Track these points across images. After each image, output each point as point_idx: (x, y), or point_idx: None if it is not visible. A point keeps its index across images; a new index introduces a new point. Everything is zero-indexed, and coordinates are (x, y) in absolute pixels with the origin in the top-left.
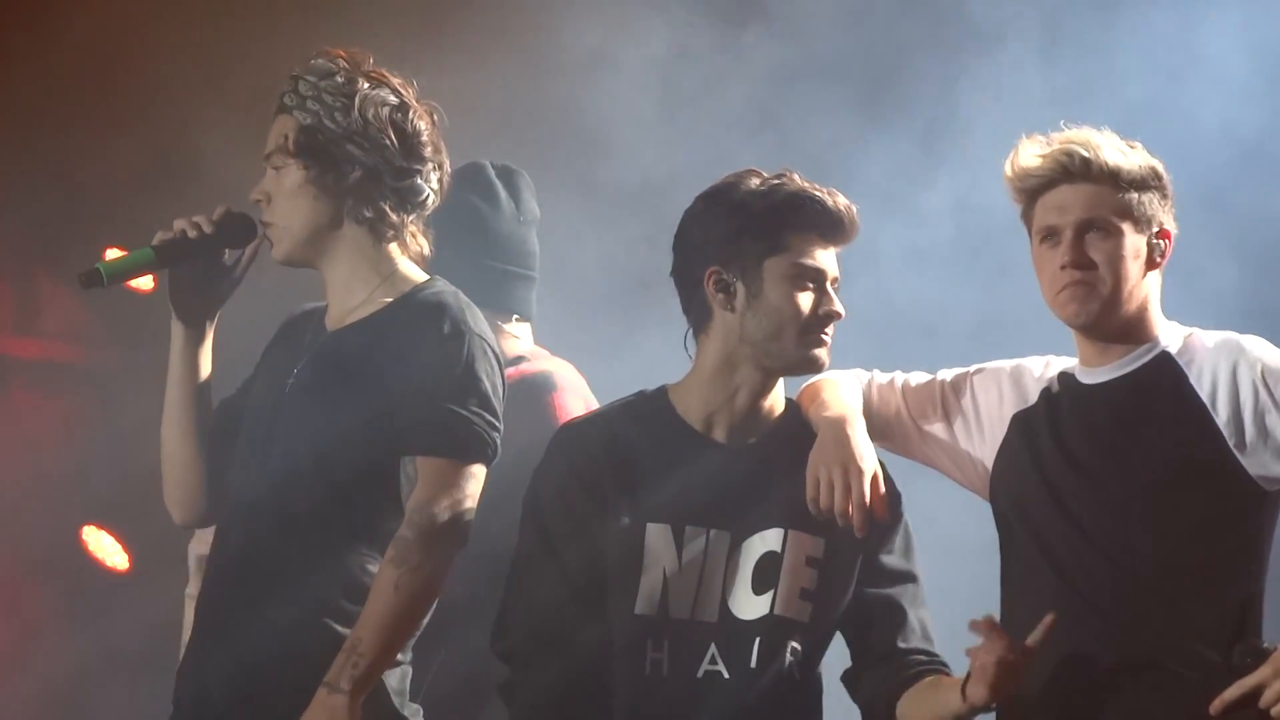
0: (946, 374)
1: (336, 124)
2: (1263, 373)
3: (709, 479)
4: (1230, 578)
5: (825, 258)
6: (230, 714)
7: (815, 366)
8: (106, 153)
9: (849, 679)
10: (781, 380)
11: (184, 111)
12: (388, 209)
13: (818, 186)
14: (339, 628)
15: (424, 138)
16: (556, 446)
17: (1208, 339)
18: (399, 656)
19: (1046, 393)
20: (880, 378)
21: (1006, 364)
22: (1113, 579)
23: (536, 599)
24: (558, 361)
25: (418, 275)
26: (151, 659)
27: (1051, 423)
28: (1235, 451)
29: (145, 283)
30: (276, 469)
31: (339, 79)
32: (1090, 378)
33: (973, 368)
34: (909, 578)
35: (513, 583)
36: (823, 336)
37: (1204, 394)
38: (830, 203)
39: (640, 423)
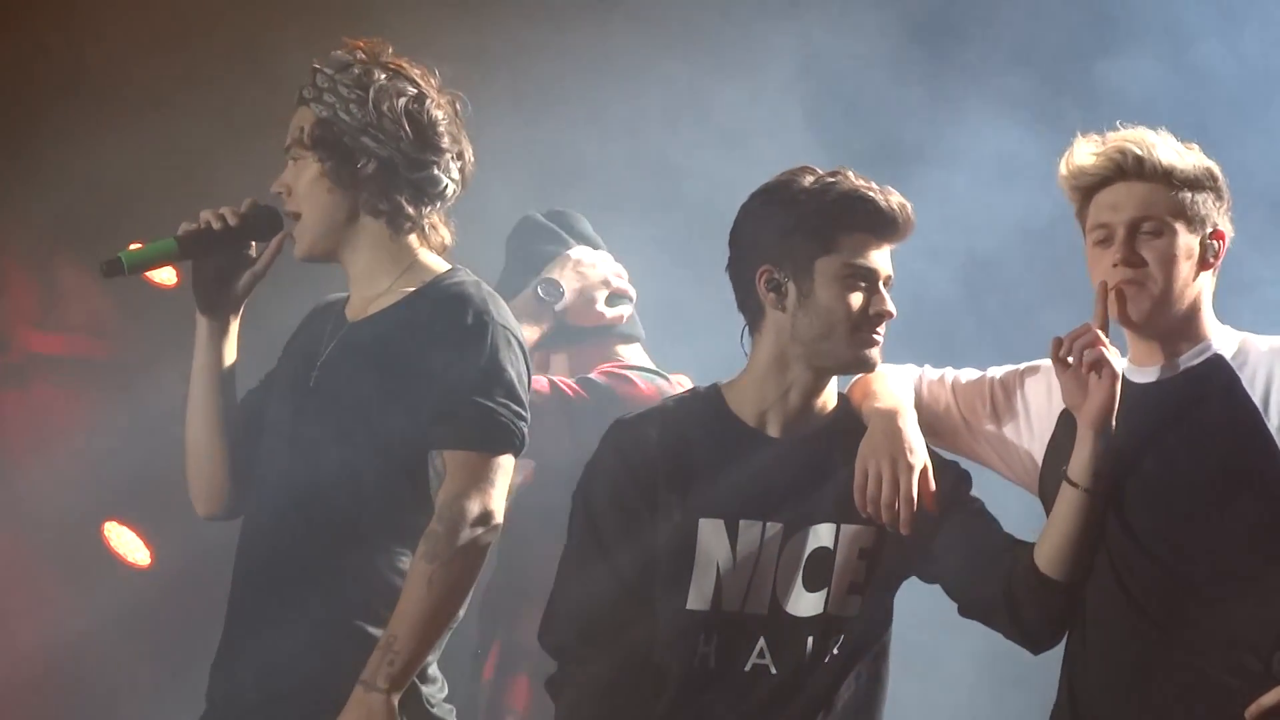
0: (996, 371)
1: (351, 116)
2: None
3: (762, 473)
4: (1276, 586)
5: (878, 257)
6: (263, 712)
7: (866, 366)
8: (130, 145)
9: (973, 607)
10: (834, 376)
11: (210, 104)
12: (404, 201)
13: (872, 185)
14: (371, 627)
15: (440, 128)
16: (609, 442)
17: (1262, 343)
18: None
19: None
20: (931, 374)
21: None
22: (1159, 581)
23: (586, 594)
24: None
25: (439, 265)
26: (174, 654)
27: None
28: None
29: (168, 277)
30: (302, 465)
31: (355, 70)
32: (1141, 376)
33: (1023, 365)
34: (991, 521)
35: (562, 577)
36: (874, 336)
37: (1257, 398)
38: (883, 201)
39: (693, 418)
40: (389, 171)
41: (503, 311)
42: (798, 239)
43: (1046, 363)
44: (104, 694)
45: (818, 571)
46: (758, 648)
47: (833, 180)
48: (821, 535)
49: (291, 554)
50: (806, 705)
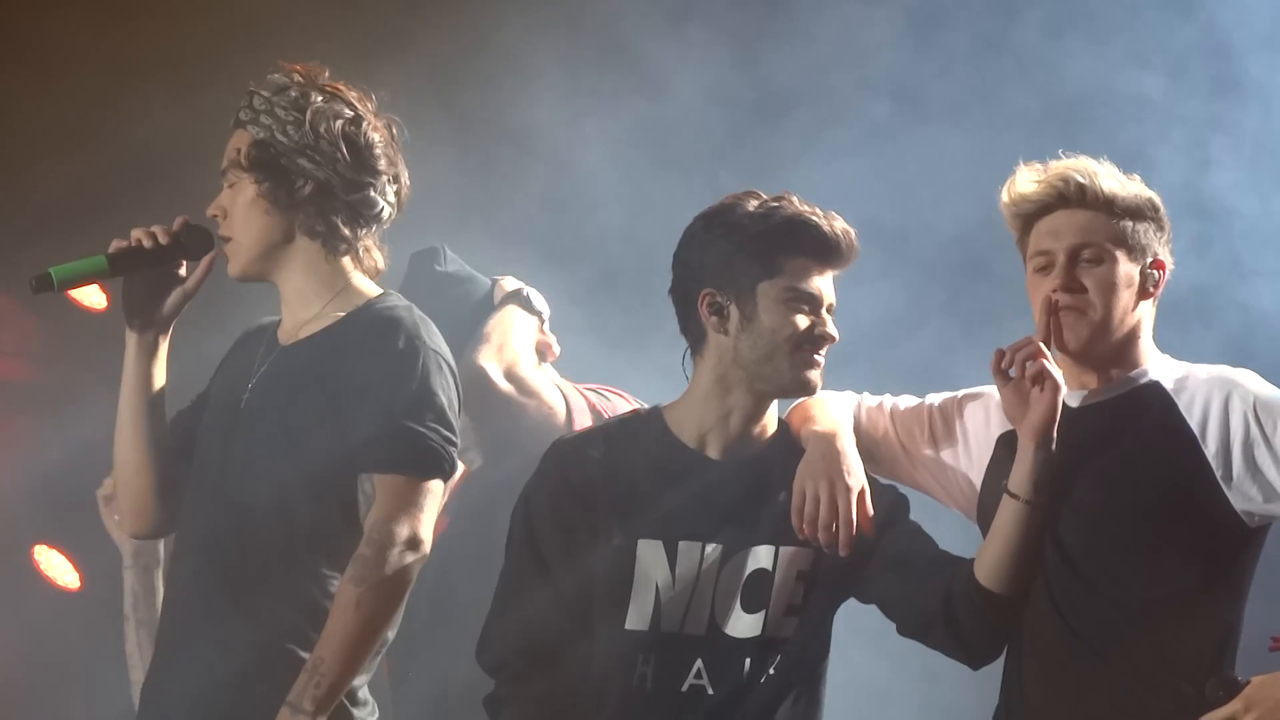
0: (935, 398)
1: (289, 138)
2: (1255, 406)
3: (702, 494)
4: (1210, 611)
5: (820, 283)
6: None
7: (807, 389)
8: (64, 166)
9: (911, 623)
10: (775, 400)
11: (145, 124)
12: (339, 222)
13: (816, 210)
14: (300, 650)
15: (377, 150)
16: (551, 460)
17: (1201, 371)
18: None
19: None
20: (870, 400)
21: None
22: (1094, 606)
23: (525, 611)
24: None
25: (371, 289)
26: (104, 677)
27: None
28: (1222, 484)
29: (98, 301)
30: (232, 489)
31: (292, 93)
32: (1075, 400)
33: (961, 392)
34: (929, 541)
35: (500, 595)
36: (815, 358)
37: (1194, 424)
38: (826, 227)
39: (635, 440)
40: (326, 193)
41: (434, 336)
42: (741, 262)
43: (985, 389)
44: (32, 715)
45: (756, 593)
46: (695, 668)
47: (776, 205)
48: (760, 557)
49: (222, 576)
50: None
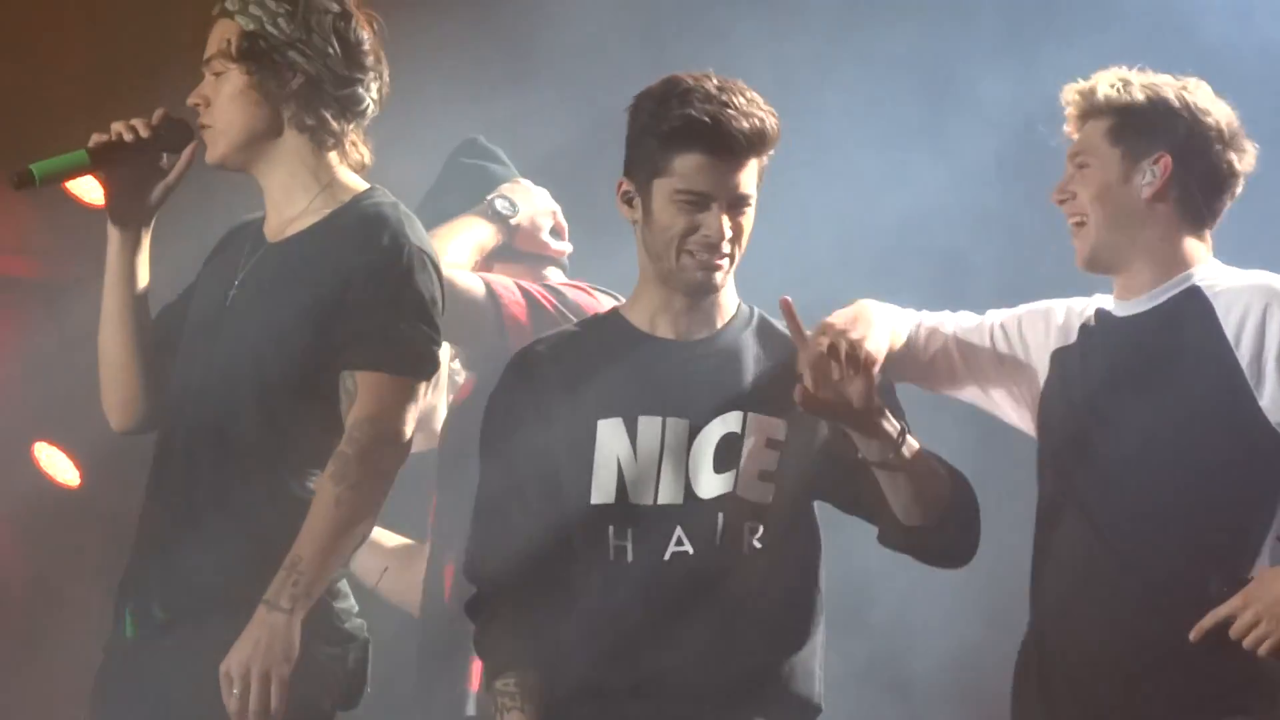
0: (996, 315)
1: (280, 30)
2: None
3: (660, 372)
4: (1243, 517)
5: (716, 178)
6: (171, 629)
7: (702, 290)
8: (41, 62)
9: (886, 531)
10: (732, 280)
11: (135, 19)
12: (329, 116)
13: (722, 99)
14: (279, 545)
15: (366, 46)
16: (508, 366)
17: (1244, 277)
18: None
19: (1084, 328)
20: (929, 320)
21: (1055, 303)
22: (1131, 519)
23: (500, 518)
24: None
25: (358, 184)
26: (102, 574)
27: (1084, 358)
28: (1255, 395)
29: (96, 196)
30: (216, 384)
31: None
32: (1122, 310)
33: (1022, 308)
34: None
35: (476, 507)
36: (705, 259)
37: (1229, 331)
38: (723, 122)
39: (590, 331)
40: (316, 87)
41: (419, 233)
42: (639, 158)
43: (1045, 303)
44: (33, 612)
45: (726, 455)
46: (675, 536)
47: (683, 94)
48: (730, 422)
49: (202, 472)
50: (731, 600)
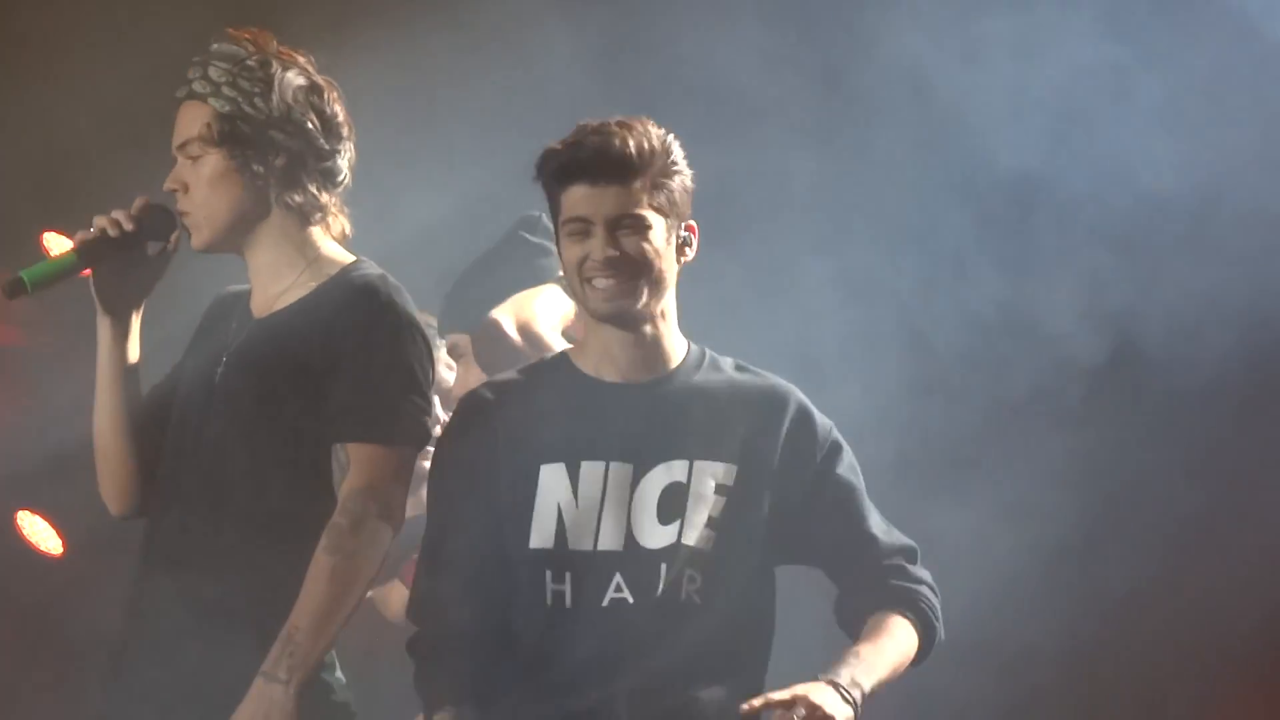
0: None
1: (257, 110)
2: None
3: (604, 416)
4: None
5: (593, 203)
6: (164, 702)
7: (604, 316)
8: (49, 129)
9: (840, 610)
10: (673, 323)
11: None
12: (314, 191)
13: (601, 131)
14: (274, 621)
15: (340, 118)
16: (455, 412)
17: None
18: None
19: None
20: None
21: None
22: None
23: (441, 555)
24: None
25: (343, 256)
26: (85, 642)
27: None
28: None
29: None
30: (209, 460)
31: (251, 63)
32: None
33: None
34: (852, 489)
35: (423, 550)
36: (600, 283)
37: None
38: (595, 148)
39: (538, 376)
40: (299, 163)
41: (408, 304)
42: (550, 208)
43: None
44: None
45: (671, 505)
46: (614, 583)
47: (568, 136)
48: (675, 471)
49: (196, 547)
50: (669, 650)
